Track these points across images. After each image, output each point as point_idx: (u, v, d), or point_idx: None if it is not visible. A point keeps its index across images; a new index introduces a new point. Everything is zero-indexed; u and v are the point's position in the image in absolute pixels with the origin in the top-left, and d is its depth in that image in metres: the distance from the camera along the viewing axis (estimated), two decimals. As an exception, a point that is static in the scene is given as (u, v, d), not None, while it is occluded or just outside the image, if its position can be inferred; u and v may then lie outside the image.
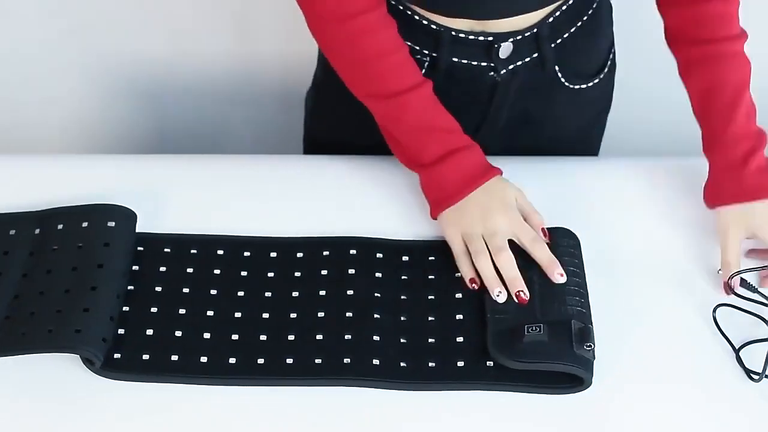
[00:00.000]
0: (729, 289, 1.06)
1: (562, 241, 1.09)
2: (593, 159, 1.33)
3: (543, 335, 0.99)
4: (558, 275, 1.04)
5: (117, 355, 1.00)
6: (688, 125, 1.67)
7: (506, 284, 1.04)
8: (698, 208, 1.15)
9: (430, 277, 1.08)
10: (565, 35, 1.17)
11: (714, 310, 1.04)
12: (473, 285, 1.06)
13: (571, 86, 1.22)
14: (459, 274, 1.08)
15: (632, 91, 1.47)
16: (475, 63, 1.15)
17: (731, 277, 1.06)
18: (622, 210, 1.16)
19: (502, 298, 1.04)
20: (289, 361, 1.00)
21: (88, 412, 0.97)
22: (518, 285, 1.04)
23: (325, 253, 1.09)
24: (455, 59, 1.15)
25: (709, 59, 1.11)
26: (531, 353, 0.98)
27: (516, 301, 1.03)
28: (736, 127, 1.10)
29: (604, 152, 1.40)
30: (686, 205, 1.17)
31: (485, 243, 1.07)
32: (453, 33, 1.13)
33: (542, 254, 1.06)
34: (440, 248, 1.10)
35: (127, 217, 1.10)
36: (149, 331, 1.03)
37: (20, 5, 1.59)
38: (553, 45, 1.16)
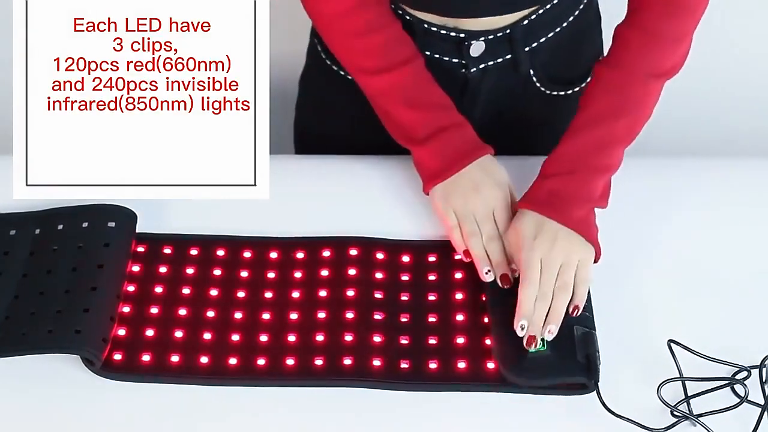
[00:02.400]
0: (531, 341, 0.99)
1: None
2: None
3: (545, 350, 0.99)
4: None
5: (117, 356, 1.00)
6: (687, 124, 1.68)
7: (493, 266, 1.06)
8: (696, 208, 1.16)
9: (430, 277, 1.08)
10: (542, 40, 1.16)
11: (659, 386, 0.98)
12: (467, 257, 1.08)
13: (548, 92, 1.22)
14: (459, 275, 1.08)
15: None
16: (446, 58, 1.16)
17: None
18: (616, 210, 1.16)
19: (489, 277, 1.05)
20: (290, 362, 1.00)
21: (88, 413, 0.97)
22: (504, 269, 1.05)
23: (326, 253, 1.09)
24: (427, 53, 1.15)
25: (612, 83, 1.08)
26: (535, 369, 0.98)
27: (501, 284, 1.05)
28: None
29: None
30: (684, 204, 1.17)
31: (477, 225, 1.08)
32: (425, 26, 1.13)
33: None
34: (441, 248, 1.10)
35: (127, 217, 1.10)
36: (149, 332, 1.02)
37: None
38: (527, 48, 1.16)
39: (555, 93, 1.23)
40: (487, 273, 1.05)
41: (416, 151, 1.13)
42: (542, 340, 0.99)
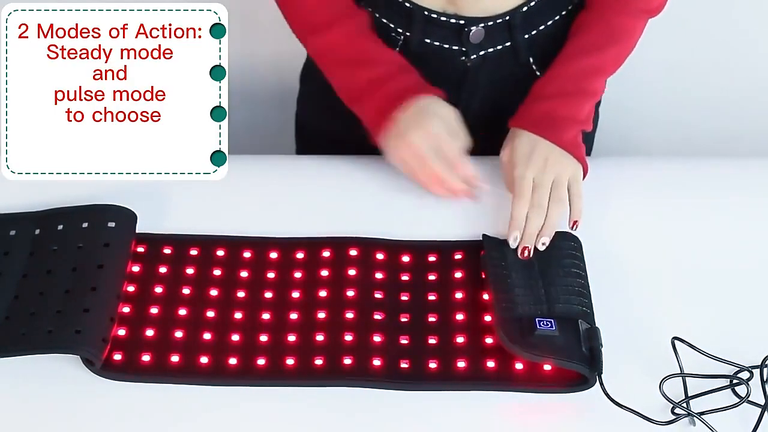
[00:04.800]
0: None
1: (564, 244, 1.09)
2: (589, 158, 1.33)
3: (554, 330, 0.99)
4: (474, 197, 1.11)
5: (117, 356, 1.00)
6: (688, 124, 1.68)
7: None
8: (694, 207, 1.16)
9: (430, 277, 1.08)
10: (541, 27, 1.17)
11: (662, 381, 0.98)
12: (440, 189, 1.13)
13: None
14: (459, 274, 1.08)
15: (629, 89, 1.47)
16: (446, 46, 1.16)
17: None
18: (618, 209, 1.17)
19: (466, 170, 1.11)
20: (290, 362, 1.00)
21: (88, 413, 0.97)
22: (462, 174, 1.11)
23: (326, 253, 1.09)
24: (427, 40, 1.16)
25: (597, 17, 1.15)
26: (542, 347, 0.98)
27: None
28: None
29: (600, 151, 1.40)
30: (687, 204, 1.17)
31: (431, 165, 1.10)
32: (425, 12, 1.14)
33: (465, 170, 1.11)
34: (441, 248, 1.10)
35: (127, 217, 1.10)
36: (149, 332, 1.02)
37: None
38: (526, 36, 1.17)
39: None
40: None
41: (358, 108, 1.15)
42: (552, 321, 0.99)
